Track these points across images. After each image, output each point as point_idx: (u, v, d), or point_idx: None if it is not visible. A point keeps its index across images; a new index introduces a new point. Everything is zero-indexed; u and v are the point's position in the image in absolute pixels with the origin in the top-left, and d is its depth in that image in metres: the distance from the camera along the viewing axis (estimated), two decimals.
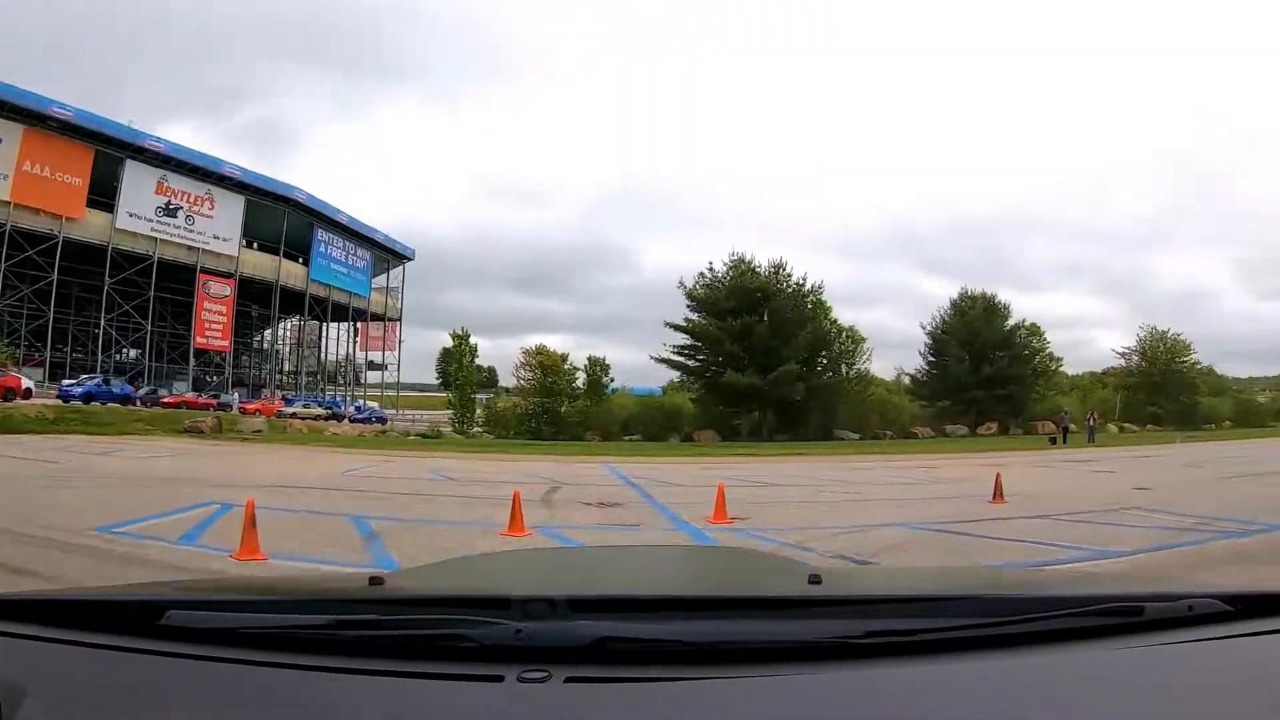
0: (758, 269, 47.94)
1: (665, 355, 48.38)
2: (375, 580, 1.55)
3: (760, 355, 44.74)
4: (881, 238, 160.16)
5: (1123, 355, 62.17)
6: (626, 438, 44.19)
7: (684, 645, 1.12)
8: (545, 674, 1.04)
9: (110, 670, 1.14)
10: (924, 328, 55.85)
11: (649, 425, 46.11)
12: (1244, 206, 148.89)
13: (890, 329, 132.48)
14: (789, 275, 48.45)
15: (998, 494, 12.69)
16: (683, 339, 48.23)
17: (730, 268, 47.96)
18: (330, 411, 52.55)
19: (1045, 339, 57.01)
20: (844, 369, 50.83)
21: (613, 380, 51.26)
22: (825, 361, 49.42)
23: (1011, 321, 54.87)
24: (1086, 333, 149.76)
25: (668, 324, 48.12)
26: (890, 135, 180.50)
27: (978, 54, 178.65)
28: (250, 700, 1.06)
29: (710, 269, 48.51)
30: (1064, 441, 37.75)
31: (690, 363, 48.61)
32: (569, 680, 1.04)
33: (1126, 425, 52.64)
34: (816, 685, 1.04)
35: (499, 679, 1.04)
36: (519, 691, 1.02)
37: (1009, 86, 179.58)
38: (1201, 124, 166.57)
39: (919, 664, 1.09)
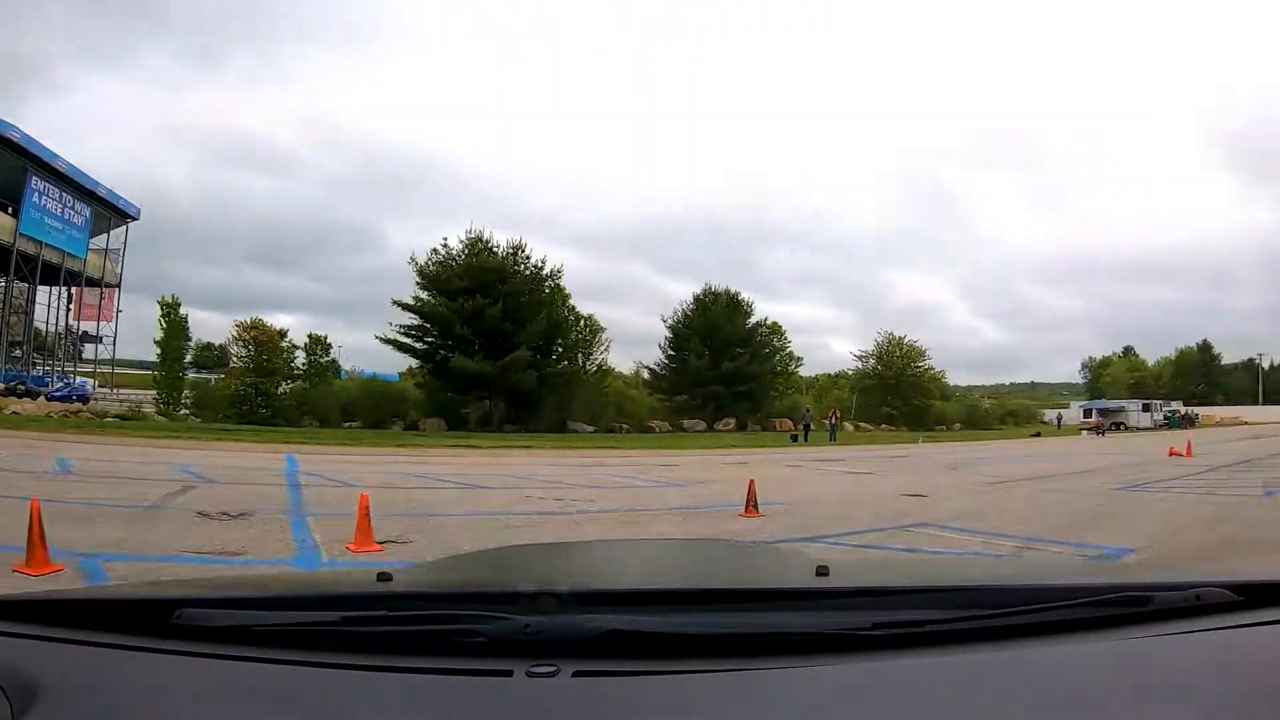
0: (496, 249, 45.62)
1: (392, 336, 44.47)
2: (384, 576, 1.54)
3: (493, 340, 42.47)
4: (634, 237, 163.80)
5: (860, 358, 65.73)
6: (347, 424, 40.90)
7: (692, 637, 1.12)
8: (554, 668, 1.05)
9: (121, 669, 1.14)
10: (665, 321, 55.62)
11: (372, 411, 42.88)
12: (969, 232, 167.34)
13: (634, 326, 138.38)
14: (528, 257, 46.50)
15: (750, 506, 10.48)
16: (412, 319, 44.87)
17: (467, 245, 45.26)
18: (15, 386, 45.24)
19: (786, 338, 59.20)
20: (581, 359, 49.86)
21: (336, 360, 48.06)
22: (561, 350, 47.94)
23: (753, 320, 55.79)
24: (822, 339, 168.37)
25: (395, 302, 44.10)
26: (650, 139, 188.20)
27: (729, 66, 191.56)
28: (262, 698, 1.07)
29: (445, 245, 45.65)
30: (805, 439, 38.64)
31: (418, 345, 45.18)
32: (577, 674, 1.04)
33: (862, 424, 55.27)
34: (824, 676, 1.05)
35: (508, 674, 1.05)
36: (528, 686, 1.03)
37: (760, 100, 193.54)
38: (931, 156, 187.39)
39: (927, 655, 1.09)
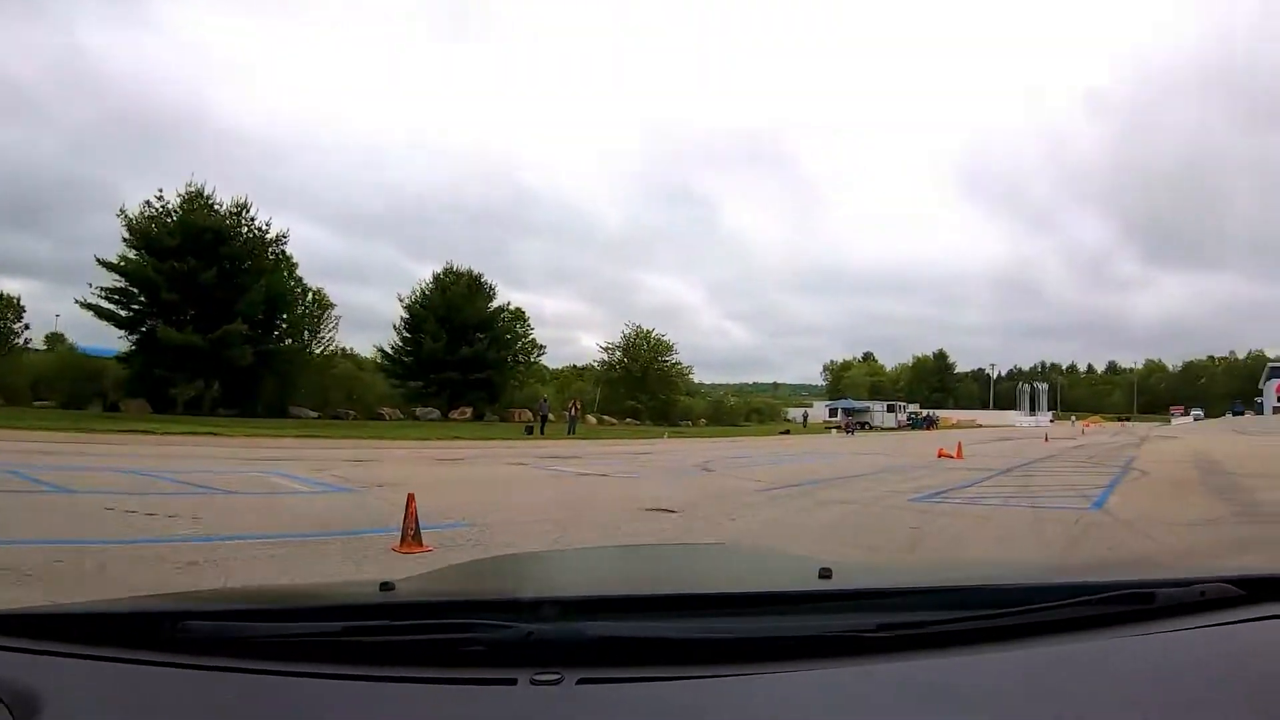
0: (217, 206, 40.88)
1: (93, 301, 38.81)
2: (386, 586, 1.51)
3: (206, 309, 38.55)
4: (387, 219, 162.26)
5: (606, 350, 65.57)
6: (38, 404, 36.50)
7: (695, 642, 1.12)
8: (558, 676, 1.04)
9: (124, 683, 1.13)
10: (402, 300, 52.62)
11: (69, 389, 38.36)
12: (721, 237, 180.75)
13: (382, 311, 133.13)
14: (253, 219, 42.15)
15: (409, 536, 6.92)
16: (117, 280, 39.36)
17: (185, 200, 39.98)
18: None
19: (529, 325, 57.44)
20: (307, 337, 47.09)
21: (28, 329, 43.17)
22: (285, 326, 44.87)
23: (495, 304, 53.86)
24: (572, 333, 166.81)
25: (99, 260, 38.70)
26: (408, 119, 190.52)
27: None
28: (265, 710, 1.07)
29: (160, 197, 39.98)
30: (542, 431, 37.08)
31: (121, 312, 39.69)
32: (581, 681, 1.04)
33: (606, 418, 55.70)
34: (830, 679, 1.05)
35: (512, 682, 1.05)
36: (532, 694, 1.03)
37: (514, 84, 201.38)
38: (684, 159, 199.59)
39: (932, 656, 1.10)
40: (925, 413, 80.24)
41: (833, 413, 76.38)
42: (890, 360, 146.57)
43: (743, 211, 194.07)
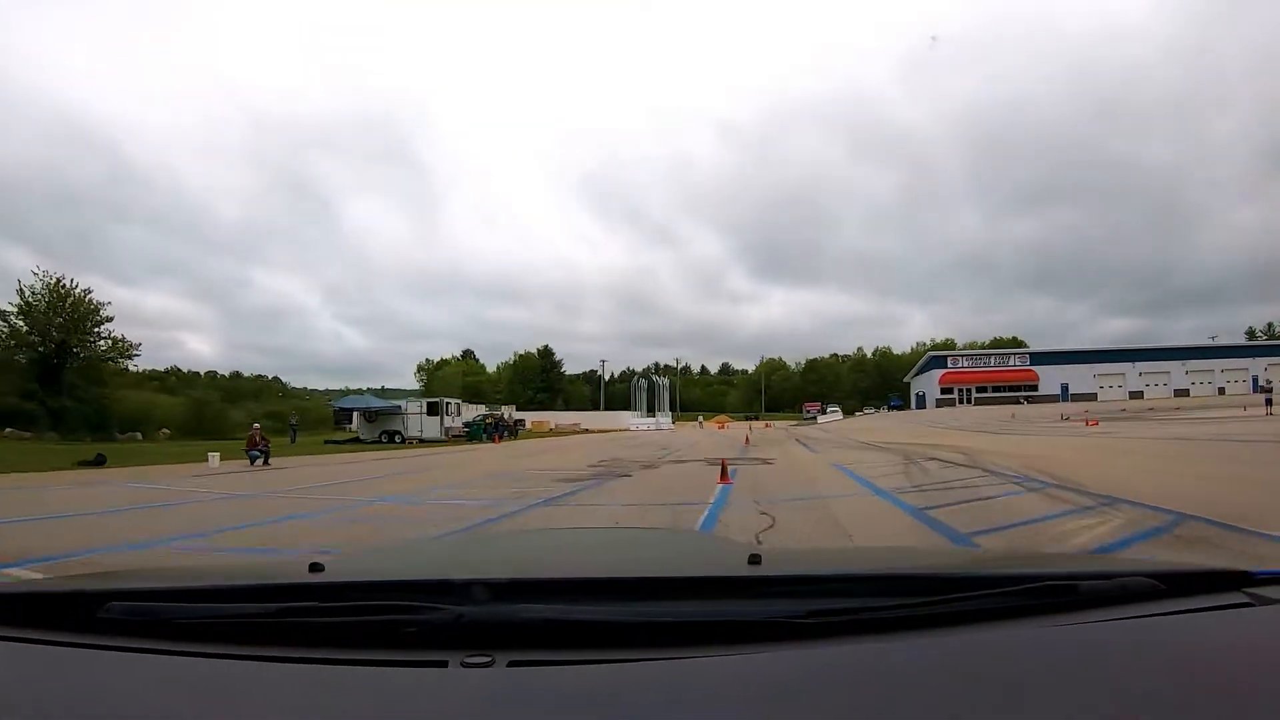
0: None
1: None
2: (315, 567, 1.51)
3: None
4: None
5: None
6: None
7: (626, 626, 1.14)
8: (489, 659, 1.06)
9: (49, 665, 1.12)
10: None
11: None
12: (341, 234, 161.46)
13: None
14: None
15: None
16: None
17: None
18: None
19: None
20: None
21: None
22: None
23: None
24: (172, 334, 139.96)
25: None
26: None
27: None
28: (193, 692, 1.04)
29: None
30: None
31: None
32: (512, 664, 1.05)
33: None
34: (759, 665, 1.06)
35: (442, 664, 1.06)
36: (462, 676, 1.04)
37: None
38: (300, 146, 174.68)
39: (860, 642, 1.11)
40: (499, 414, 58.71)
41: (343, 415, 55.70)
42: (495, 362, 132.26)
43: (362, 210, 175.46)
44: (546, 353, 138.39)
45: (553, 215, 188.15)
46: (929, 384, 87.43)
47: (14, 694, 1.02)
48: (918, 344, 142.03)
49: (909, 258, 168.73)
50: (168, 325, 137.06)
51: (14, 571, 6.31)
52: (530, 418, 75.75)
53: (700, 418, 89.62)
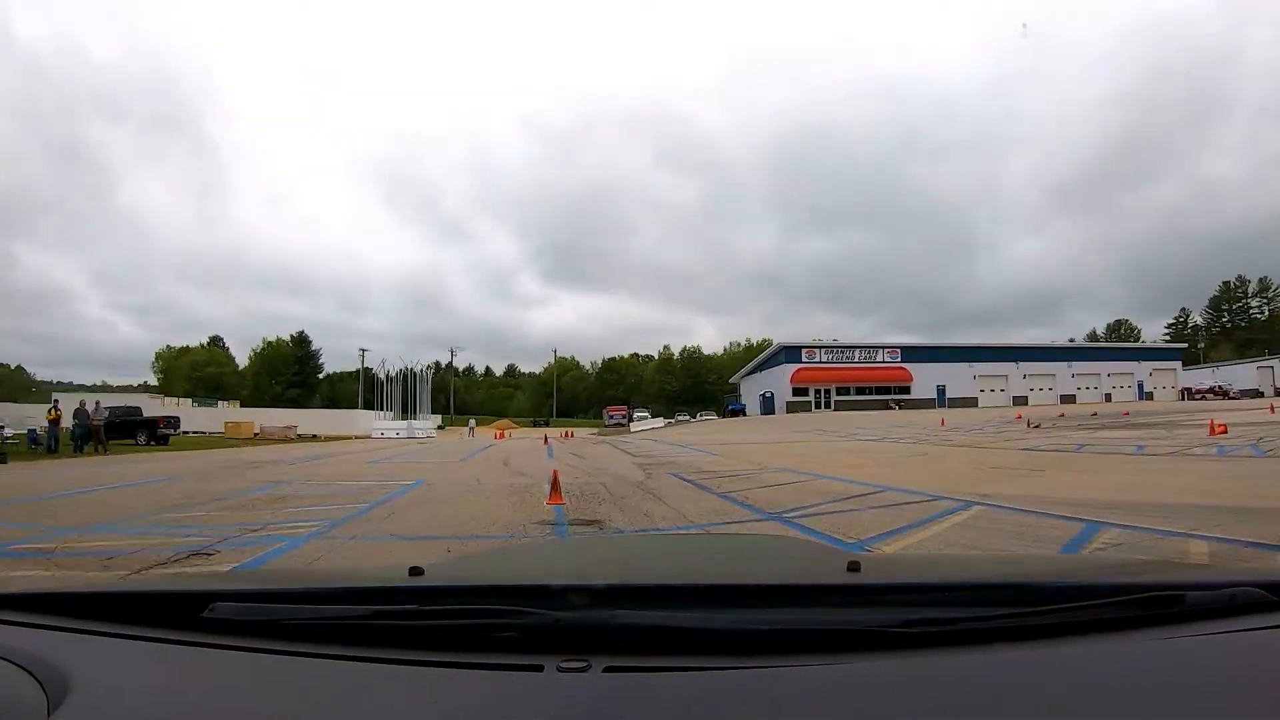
0: None
1: None
2: (415, 570, 1.53)
3: None
4: None
5: None
6: None
7: (723, 634, 1.13)
8: (585, 664, 1.06)
9: (155, 662, 1.16)
10: None
11: None
12: (116, 210, 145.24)
13: None
14: None
15: None
16: None
17: None
18: None
19: None
20: None
21: None
22: None
23: None
24: None
25: None
26: None
27: None
28: (293, 691, 1.08)
29: None
30: None
31: None
32: (608, 670, 1.06)
33: None
34: (855, 674, 1.05)
35: (539, 669, 1.06)
36: (558, 681, 1.04)
37: None
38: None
39: (958, 653, 1.10)
40: (88, 407, 30.19)
41: None
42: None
43: (142, 184, 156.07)
44: (301, 340, 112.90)
45: (342, 204, 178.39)
46: (776, 382, 69.32)
47: (122, 690, 1.06)
48: (732, 343, 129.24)
49: (702, 269, 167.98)
50: None
51: None
52: (250, 416, 53.26)
53: (471, 422, 67.60)
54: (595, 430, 67.51)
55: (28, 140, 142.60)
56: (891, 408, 62.68)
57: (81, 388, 76.66)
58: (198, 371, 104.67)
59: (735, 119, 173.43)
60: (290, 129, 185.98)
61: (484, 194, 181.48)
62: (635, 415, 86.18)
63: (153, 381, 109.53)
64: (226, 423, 51.13)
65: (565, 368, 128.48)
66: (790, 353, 72.73)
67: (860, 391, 69.21)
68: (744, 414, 66.69)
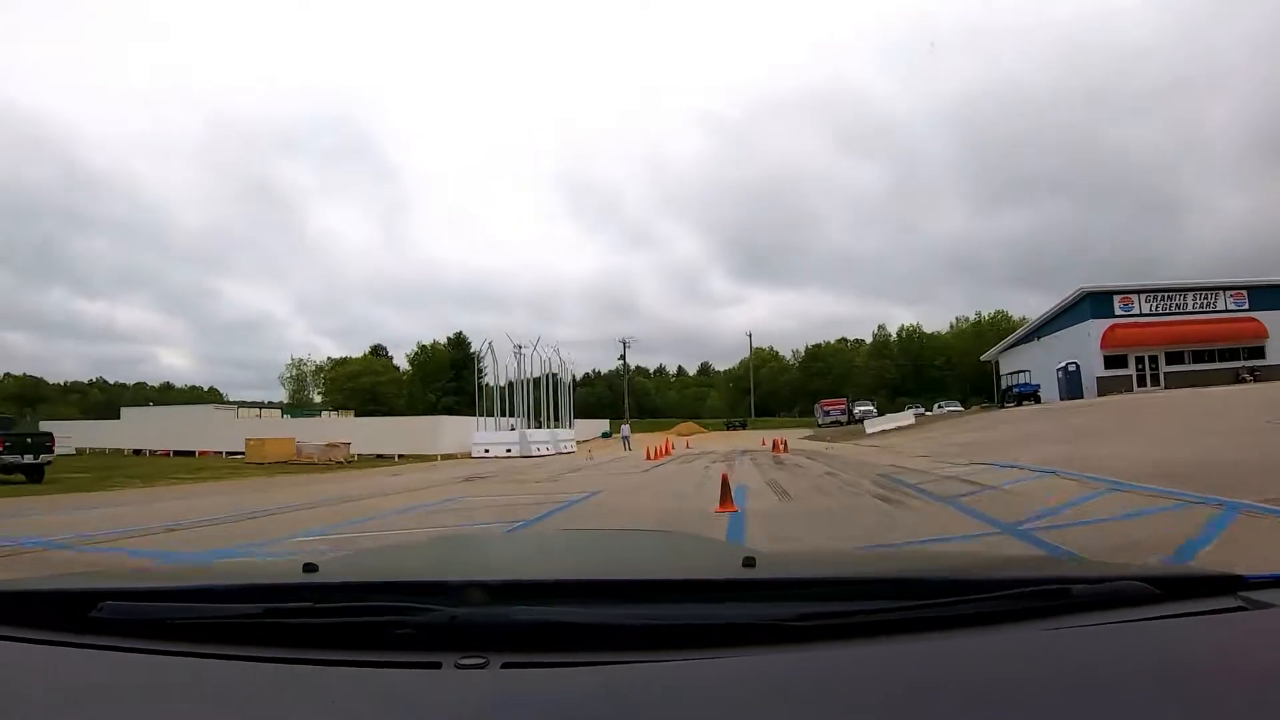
0: None
1: None
2: (309, 567, 1.51)
3: None
4: None
5: None
6: None
7: (619, 629, 1.14)
8: (483, 660, 1.05)
9: (41, 664, 1.12)
10: None
11: None
12: (307, 240, 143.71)
13: None
14: None
15: None
16: None
17: None
18: None
19: None
20: None
21: None
22: None
23: None
24: (147, 348, 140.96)
25: None
26: None
27: None
28: (185, 693, 1.04)
29: None
30: None
31: None
32: (506, 666, 1.05)
33: None
34: (751, 667, 1.05)
35: (436, 666, 1.05)
36: (456, 678, 1.03)
37: None
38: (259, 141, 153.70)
39: (851, 646, 1.11)
40: None
41: None
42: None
43: (328, 214, 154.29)
44: (459, 342, 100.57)
45: (528, 217, 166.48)
46: (1078, 348, 45.00)
47: (5, 693, 1.02)
48: (959, 318, 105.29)
49: (893, 255, 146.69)
50: (140, 340, 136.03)
51: None
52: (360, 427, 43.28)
53: (625, 429, 49.08)
54: (808, 433, 50.56)
55: (223, 183, 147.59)
56: (1244, 379, 40.13)
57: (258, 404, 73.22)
58: (352, 382, 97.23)
59: (912, 94, 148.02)
60: (468, 145, 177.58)
61: (664, 194, 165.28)
62: (858, 409, 66.37)
63: (317, 398, 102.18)
64: (248, 441, 36.94)
65: (763, 359, 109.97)
66: (1098, 303, 46.18)
67: (1197, 358, 44.56)
68: (1037, 399, 44.25)
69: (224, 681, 1.04)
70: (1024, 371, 47.46)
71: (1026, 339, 54.65)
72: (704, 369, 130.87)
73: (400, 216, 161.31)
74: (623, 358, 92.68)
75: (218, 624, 1.17)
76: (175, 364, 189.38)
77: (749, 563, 1.48)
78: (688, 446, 38.48)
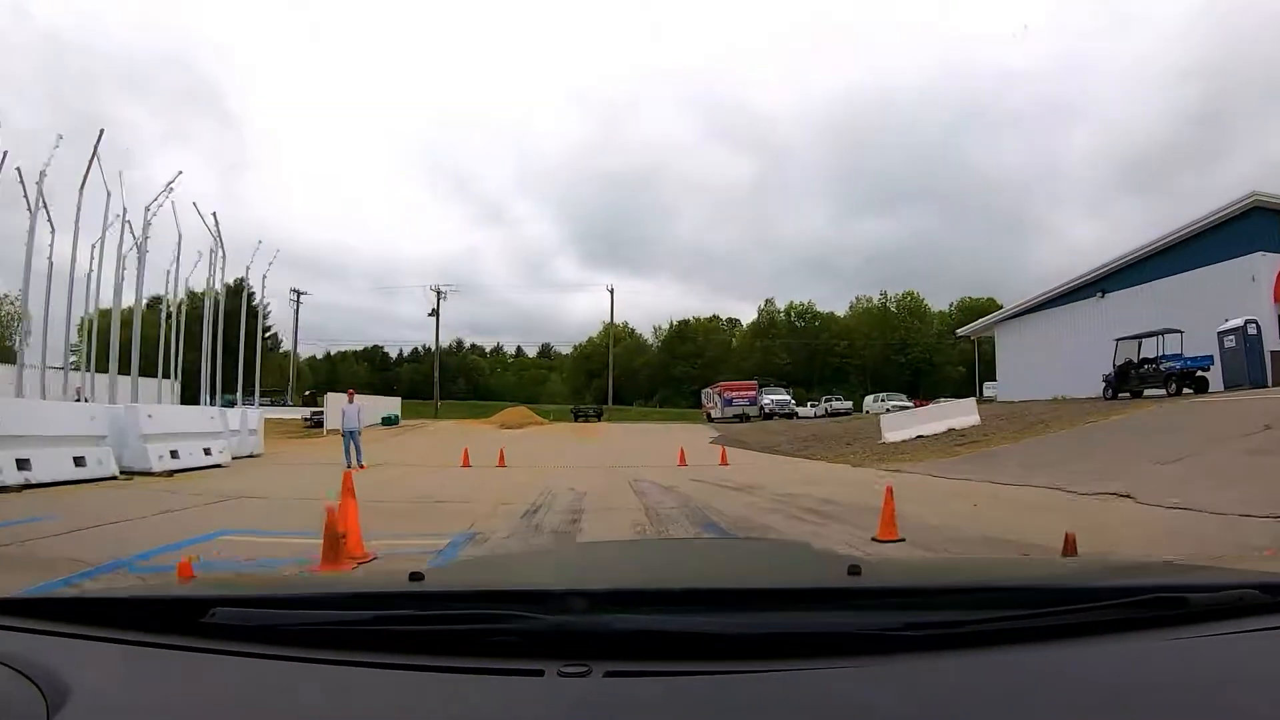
0: None
1: None
2: (415, 576, 1.50)
3: None
4: None
5: None
6: None
7: (723, 638, 1.13)
8: (585, 668, 1.05)
9: (154, 668, 1.15)
10: None
11: None
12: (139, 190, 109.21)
13: None
14: None
15: None
16: None
17: None
18: None
19: None
20: None
21: None
22: None
23: None
24: None
25: None
26: None
27: None
28: (293, 697, 1.07)
29: None
30: None
31: None
32: (609, 674, 1.04)
33: None
34: (856, 677, 1.05)
35: (539, 673, 1.05)
36: (559, 685, 1.03)
37: None
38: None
39: (959, 656, 1.09)
40: None
41: None
42: None
43: (168, 164, 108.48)
44: (238, 290, 75.86)
45: (379, 190, 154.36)
46: (1258, 295, 24.48)
47: (122, 696, 1.05)
48: (859, 298, 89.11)
49: (748, 252, 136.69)
50: None
51: None
52: None
53: (347, 408, 19.85)
54: (709, 433, 34.46)
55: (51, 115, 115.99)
56: None
57: None
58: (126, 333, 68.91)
59: (789, 94, 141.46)
60: (315, 111, 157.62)
61: (519, 173, 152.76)
62: (767, 400, 47.72)
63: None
64: None
65: (615, 338, 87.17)
66: (1268, 222, 25.59)
67: None
68: (1199, 383, 22.69)
69: (332, 686, 1.06)
70: (1165, 334, 23.60)
71: (1053, 303, 35.19)
72: (545, 351, 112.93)
73: (238, 174, 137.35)
74: (435, 312, 69.31)
75: (327, 630, 1.18)
76: None
77: (854, 571, 1.45)
78: (502, 464, 18.03)
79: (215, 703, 1.04)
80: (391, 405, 48.50)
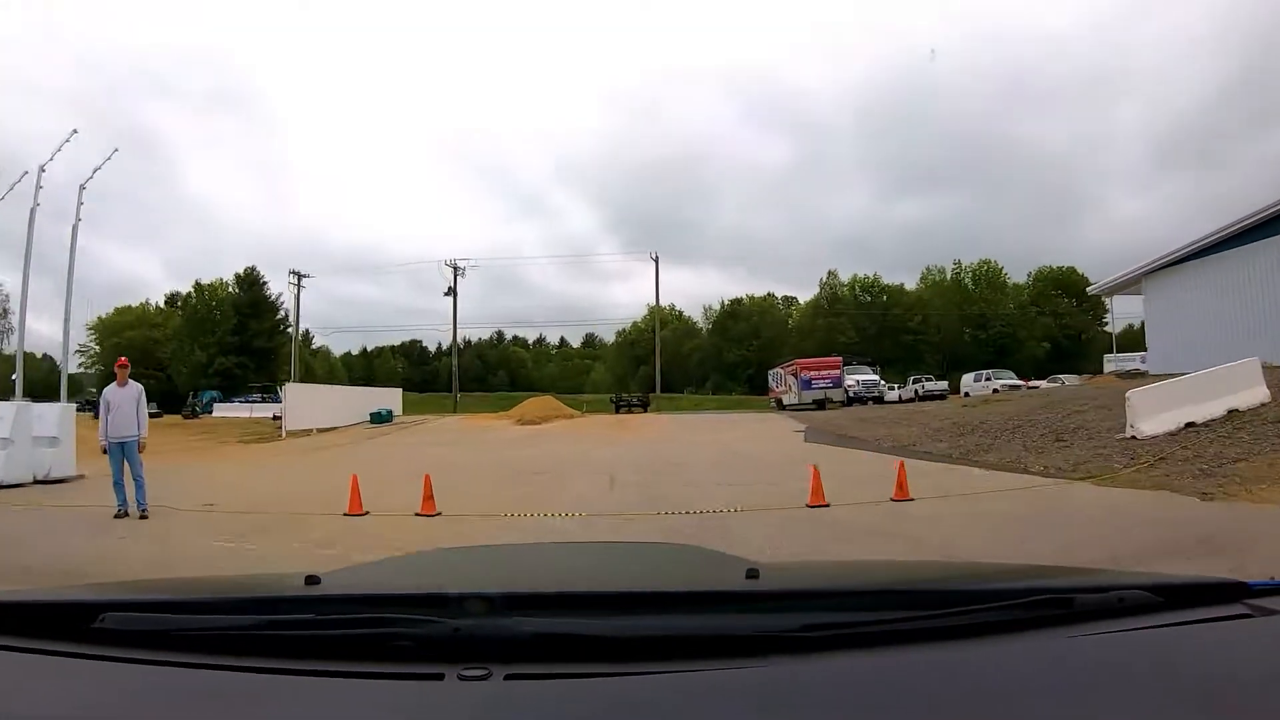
0: None
1: None
2: (311, 579, 1.48)
3: None
4: None
5: None
6: None
7: (621, 640, 1.13)
8: (485, 671, 1.04)
9: (43, 674, 1.12)
10: None
11: None
12: (184, 198, 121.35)
13: None
14: None
15: None
16: None
17: None
18: None
19: None
20: None
21: None
22: None
23: None
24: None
25: None
26: None
27: None
28: (186, 703, 1.04)
29: None
30: None
31: None
32: (509, 677, 1.04)
33: None
34: (753, 678, 1.05)
35: (439, 677, 1.04)
36: (459, 689, 1.02)
37: None
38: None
39: (854, 657, 1.11)
40: None
41: None
42: None
43: (208, 169, 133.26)
44: (250, 280, 70.95)
45: (419, 187, 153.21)
46: None
47: (8, 702, 1.02)
48: (931, 267, 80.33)
49: (787, 237, 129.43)
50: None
51: None
52: None
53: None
54: (794, 425, 26.63)
55: (87, 127, 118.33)
56: None
57: None
58: (116, 337, 72.02)
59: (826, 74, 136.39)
60: (350, 108, 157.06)
61: (559, 167, 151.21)
62: (851, 382, 41.56)
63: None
64: None
65: (663, 321, 77.83)
66: None
67: None
68: None
69: (225, 692, 1.03)
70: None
71: (1238, 240, 25.13)
72: (589, 340, 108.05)
73: (280, 177, 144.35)
74: (451, 291, 60.17)
75: (219, 635, 1.15)
76: (41, 330, 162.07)
77: (752, 574, 1.45)
78: (427, 508, 9.45)
79: (105, 709, 1.01)
80: (389, 398, 42.30)
